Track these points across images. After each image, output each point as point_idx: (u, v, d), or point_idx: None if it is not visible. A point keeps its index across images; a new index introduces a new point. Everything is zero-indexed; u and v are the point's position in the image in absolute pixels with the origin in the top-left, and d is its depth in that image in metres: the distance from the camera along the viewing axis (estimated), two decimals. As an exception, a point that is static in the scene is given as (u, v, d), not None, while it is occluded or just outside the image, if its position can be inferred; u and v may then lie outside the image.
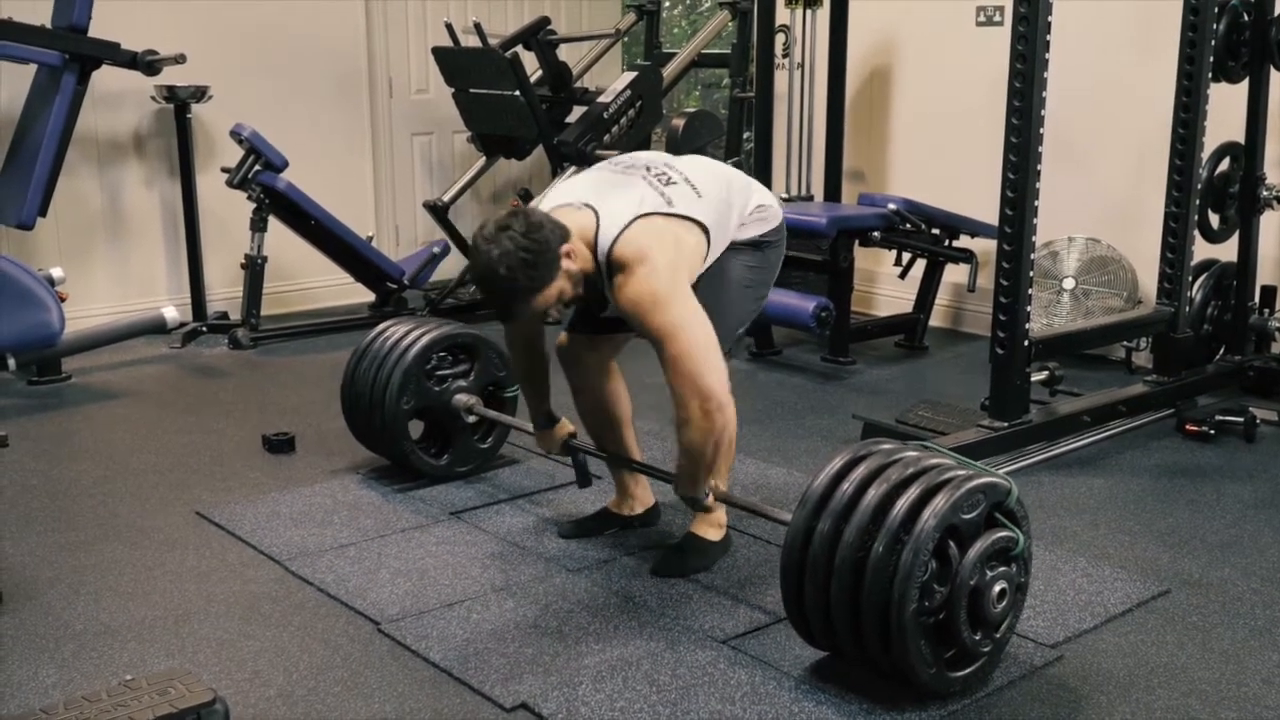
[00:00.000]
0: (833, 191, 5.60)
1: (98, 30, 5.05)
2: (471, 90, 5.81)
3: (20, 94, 5.23)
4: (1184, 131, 4.06)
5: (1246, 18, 4.18)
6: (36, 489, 3.63)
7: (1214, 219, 4.37)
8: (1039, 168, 3.56)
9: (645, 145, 6.01)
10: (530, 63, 5.78)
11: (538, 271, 2.59)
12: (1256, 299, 4.56)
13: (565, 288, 2.67)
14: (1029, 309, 3.68)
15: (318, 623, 2.76)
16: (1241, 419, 4.04)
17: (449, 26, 5.80)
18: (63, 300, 4.48)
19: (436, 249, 5.95)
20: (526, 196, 6.05)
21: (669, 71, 6.01)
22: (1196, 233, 4.19)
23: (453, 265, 6.12)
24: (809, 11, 5.72)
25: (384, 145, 6.50)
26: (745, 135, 6.24)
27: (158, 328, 5.03)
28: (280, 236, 5.54)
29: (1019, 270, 3.59)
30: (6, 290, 4.24)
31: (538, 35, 5.87)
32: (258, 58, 5.90)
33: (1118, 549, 3.18)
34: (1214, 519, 3.38)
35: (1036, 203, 3.59)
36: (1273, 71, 4.29)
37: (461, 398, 3.58)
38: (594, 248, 2.69)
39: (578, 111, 5.90)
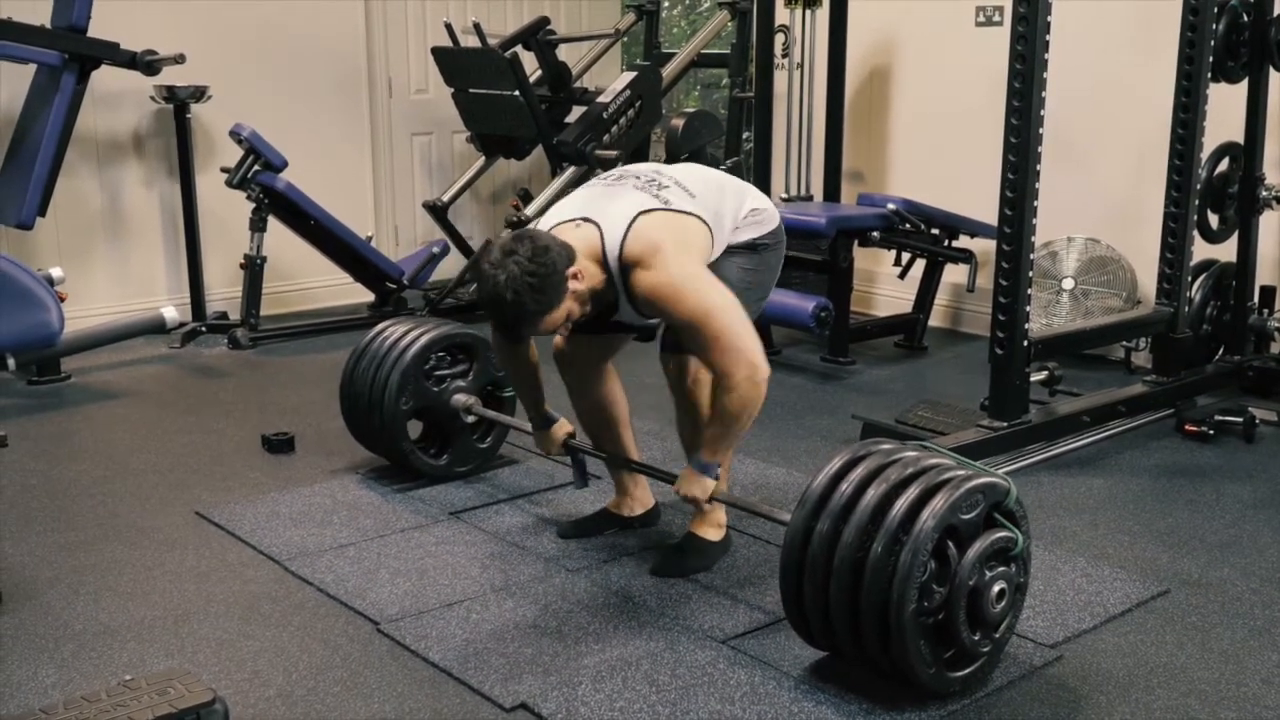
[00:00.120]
0: (832, 191, 5.60)
1: (97, 30, 5.05)
2: (471, 90, 5.81)
3: (20, 94, 5.23)
4: (1183, 131, 4.06)
5: (1246, 18, 4.18)
6: (36, 489, 3.63)
7: (1213, 219, 4.37)
8: (1038, 168, 3.56)
9: (645, 145, 6.02)
10: (530, 63, 5.78)
11: (544, 295, 2.58)
12: (1256, 299, 4.56)
13: (573, 309, 2.67)
14: (1028, 309, 3.68)
15: (317, 623, 2.76)
16: (1241, 419, 4.04)
17: (448, 26, 5.80)
18: (62, 300, 4.48)
19: (436, 249, 5.95)
20: (526, 197, 6.05)
21: (668, 71, 6.01)
22: (1196, 233, 4.19)
23: (452, 265, 6.13)
24: (808, 11, 5.72)
25: (383, 145, 6.50)
26: (745, 135, 6.24)
27: (157, 328, 5.04)
28: (280, 236, 5.54)
29: (1018, 270, 3.60)
30: (6, 290, 4.24)
31: (537, 35, 5.87)
32: (258, 58, 5.90)
33: (1117, 549, 3.18)
34: (1213, 519, 3.38)
35: (1036, 203, 3.59)
36: (1272, 71, 4.30)
37: (460, 398, 3.58)
38: (603, 258, 2.69)
39: (577, 111, 5.90)
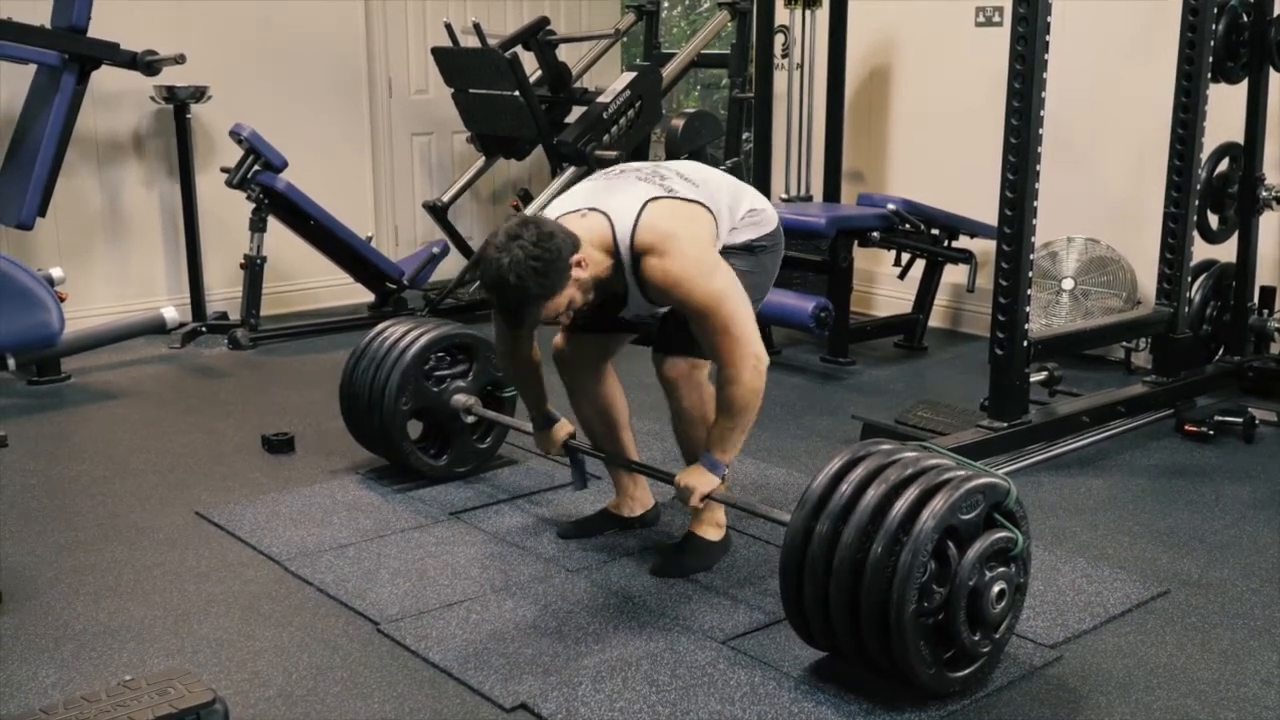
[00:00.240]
0: (832, 192, 5.60)
1: (97, 30, 5.05)
2: (471, 90, 5.81)
3: (20, 94, 5.23)
4: (1183, 132, 4.06)
5: (1246, 18, 4.18)
6: (36, 489, 3.63)
7: (1213, 219, 4.37)
8: (1038, 168, 3.56)
9: (644, 145, 6.02)
10: (530, 63, 5.79)
11: (548, 280, 2.59)
12: (1255, 299, 4.56)
13: (575, 296, 2.67)
14: (1028, 309, 3.68)
15: (317, 623, 2.76)
16: (1240, 419, 4.04)
17: (448, 27, 5.80)
18: (62, 300, 4.47)
19: (436, 249, 5.95)
20: (526, 197, 6.05)
21: (668, 72, 6.01)
22: (1196, 233, 4.19)
23: (452, 265, 6.13)
24: (808, 12, 5.72)
25: (384, 145, 6.50)
26: (744, 136, 6.24)
27: (157, 328, 5.04)
28: (280, 236, 5.54)
29: (1018, 270, 3.60)
30: (6, 290, 4.23)
31: (537, 35, 5.87)
32: (258, 58, 5.90)
33: (1117, 549, 3.18)
34: (1213, 519, 3.38)
35: (1036, 203, 3.59)
36: (1272, 72, 4.30)
37: (460, 398, 3.58)
38: (613, 246, 2.70)
39: (577, 112, 5.91)
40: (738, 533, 3.18)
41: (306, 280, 6.13)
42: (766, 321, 4.96)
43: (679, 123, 5.84)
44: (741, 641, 2.64)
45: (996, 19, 5.33)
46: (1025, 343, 3.69)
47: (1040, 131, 3.53)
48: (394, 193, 6.58)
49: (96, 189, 5.59)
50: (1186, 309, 4.23)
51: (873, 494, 2.32)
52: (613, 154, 5.41)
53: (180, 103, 5.48)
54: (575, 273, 2.63)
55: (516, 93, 5.53)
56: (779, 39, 5.70)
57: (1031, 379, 3.77)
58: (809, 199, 5.81)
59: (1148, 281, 4.49)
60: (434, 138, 6.68)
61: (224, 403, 4.60)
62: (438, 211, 5.97)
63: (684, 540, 3.06)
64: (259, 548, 3.16)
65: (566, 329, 3.11)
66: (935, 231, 5.18)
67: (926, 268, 5.38)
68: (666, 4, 7.92)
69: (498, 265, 2.58)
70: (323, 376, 4.70)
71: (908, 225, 5.00)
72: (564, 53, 6.31)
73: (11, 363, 4.39)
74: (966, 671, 2.38)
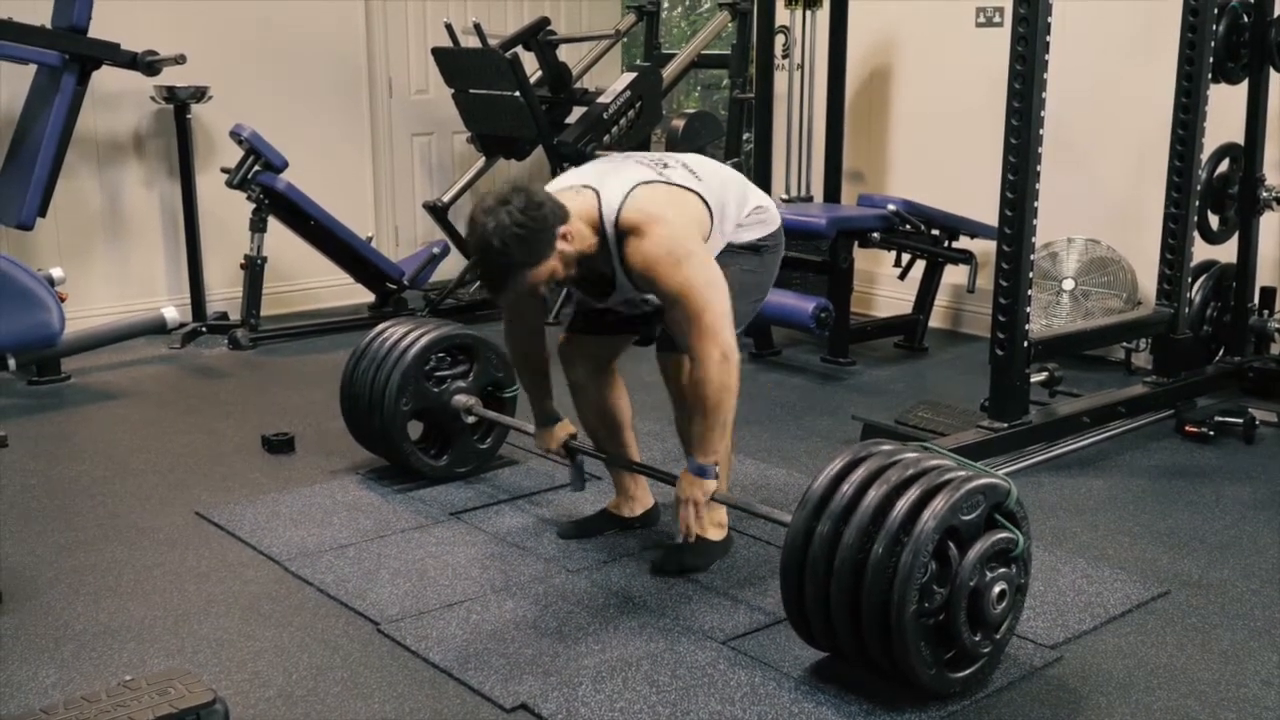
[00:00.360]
0: (832, 192, 5.60)
1: (98, 30, 5.05)
2: (471, 91, 5.81)
3: (20, 94, 5.23)
4: (1183, 133, 4.06)
5: (1246, 19, 4.18)
6: (36, 489, 3.63)
7: (1213, 220, 4.37)
8: (1039, 168, 3.56)
9: (645, 146, 6.01)
10: (530, 63, 5.78)
11: (531, 247, 2.59)
12: (1256, 300, 4.56)
13: (557, 267, 2.67)
14: (1028, 310, 3.68)
15: (317, 623, 2.76)
16: (1241, 420, 4.04)
17: (449, 27, 5.80)
18: (62, 300, 4.47)
19: (436, 249, 5.95)
20: (526, 197, 6.04)
21: (669, 72, 6.01)
22: (1196, 234, 4.19)
23: (452, 266, 6.12)
24: (809, 12, 5.72)
25: (384, 145, 6.50)
26: (745, 136, 6.24)
27: (157, 328, 5.04)
28: (280, 237, 5.54)
29: (1019, 271, 3.60)
30: (6, 290, 4.23)
31: (538, 36, 5.87)
32: (258, 58, 5.90)
33: (1117, 550, 3.18)
34: (1213, 520, 3.38)
35: (1036, 203, 3.59)
36: (1272, 73, 4.30)
37: (460, 398, 3.58)
38: (599, 224, 2.70)
39: (577, 112, 5.91)
40: (738, 533, 3.17)
41: (307, 280, 6.13)
42: (767, 321, 4.98)
43: (679, 123, 5.84)
44: (742, 642, 2.64)
45: (997, 19, 5.33)
46: (1025, 343, 3.68)
47: (1040, 132, 3.53)
48: (394, 193, 6.58)
49: (97, 189, 5.59)
50: (1187, 310, 4.23)
51: (874, 494, 2.32)
52: (612, 155, 5.41)
53: (180, 103, 5.48)
54: (560, 245, 2.63)
55: (517, 93, 5.53)
56: (779, 39, 5.70)
57: (1032, 379, 3.77)
58: (809, 199, 5.81)
59: (1148, 282, 4.49)
60: (434, 138, 6.68)
61: (224, 403, 4.60)
62: (438, 212, 5.97)
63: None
64: (259, 548, 3.16)
65: (570, 330, 3.11)
66: (935, 232, 5.18)
67: (927, 268, 5.38)
68: (667, 4, 7.92)
69: (483, 229, 2.58)
70: (323, 377, 4.70)
71: (908, 226, 5.00)
72: (564, 53, 6.31)
73: (12, 363, 4.39)
74: (967, 672, 2.38)
